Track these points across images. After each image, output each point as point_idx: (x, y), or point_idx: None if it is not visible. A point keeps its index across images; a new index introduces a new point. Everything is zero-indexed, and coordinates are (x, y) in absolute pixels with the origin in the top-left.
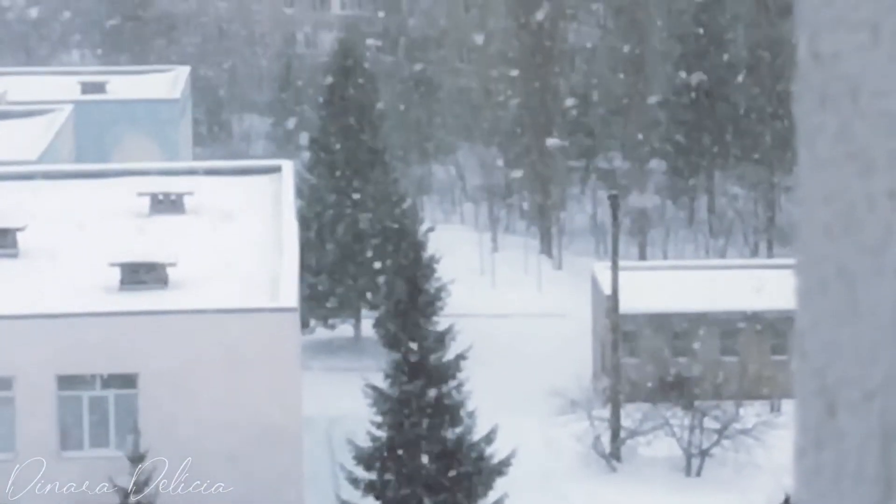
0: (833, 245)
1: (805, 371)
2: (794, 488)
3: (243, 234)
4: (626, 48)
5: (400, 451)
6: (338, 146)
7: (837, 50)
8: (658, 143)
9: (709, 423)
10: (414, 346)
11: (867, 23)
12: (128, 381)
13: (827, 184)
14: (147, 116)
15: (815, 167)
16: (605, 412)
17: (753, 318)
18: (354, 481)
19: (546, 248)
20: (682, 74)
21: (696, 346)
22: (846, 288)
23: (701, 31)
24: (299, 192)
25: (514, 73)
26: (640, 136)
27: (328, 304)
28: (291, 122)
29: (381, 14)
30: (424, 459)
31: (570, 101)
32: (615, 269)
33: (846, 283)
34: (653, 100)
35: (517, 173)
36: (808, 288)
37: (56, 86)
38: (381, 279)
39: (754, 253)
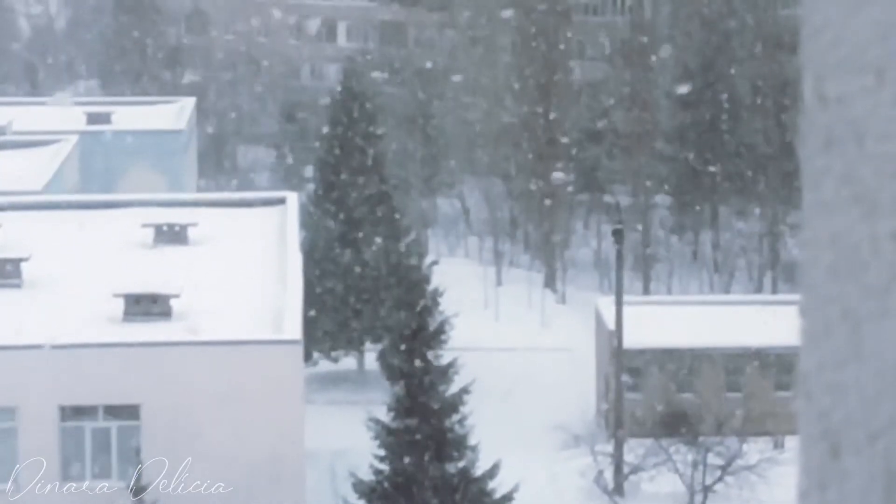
0: (838, 287)
1: (809, 412)
2: None
3: (247, 265)
4: (631, 83)
5: (403, 485)
6: (342, 178)
7: (843, 93)
8: (663, 179)
9: (712, 459)
10: (417, 379)
11: (872, 67)
12: (130, 412)
13: (832, 226)
14: (152, 147)
15: (820, 209)
16: (609, 447)
17: (758, 354)
18: None
19: (550, 283)
20: (688, 110)
21: (699, 381)
22: (851, 330)
23: (706, 66)
24: (303, 224)
25: (520, 106)
26: (646, 172)
27: (332, 337)
28: (296, 155)
29: (386, 47)
30: (427, 493)
31: (575, 136)
32: (619, 304)
33: (851, 325)
34: (658, 135)
35: (521, 207)
36: (812, 329)
37: (61, 116)
38: (384, 312)
39: (759, 289)
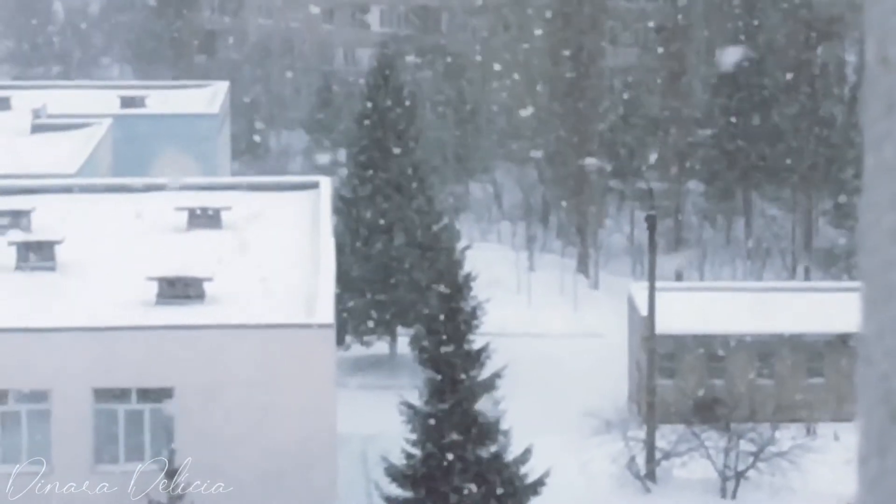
0: None
1: (869, 377)
2: (856, 495)
3: (280, 249)
4: (664, 69)
5: (435, 470)
6: (375, 163)
7: None
8: (696, 164)
9: (744, 445)
10: (449, 364)
11: None
12: (164, 395)
13: (894, 189)
14: (185, 131)
15: (882, 172)
16: (641, 433)
17: (790, 340)
18: (389, 499)
19: (583, 268)
20: (722, 96)
21: (732, 368)
22: None
23: (740, 52)
24: (336, 209)
25: (553, 91)
26: (679, 157)
27: (364, 322)
28: (329, 139)
29: (419, 32)
30: (459, 478)
31: (608, 122)
32: (652, 289)
33: None
34: (691, 121)
35: (555, 193)
36: (872, 294)
37: (95, 100)
38: (417, 297)
39: (792, 275)
